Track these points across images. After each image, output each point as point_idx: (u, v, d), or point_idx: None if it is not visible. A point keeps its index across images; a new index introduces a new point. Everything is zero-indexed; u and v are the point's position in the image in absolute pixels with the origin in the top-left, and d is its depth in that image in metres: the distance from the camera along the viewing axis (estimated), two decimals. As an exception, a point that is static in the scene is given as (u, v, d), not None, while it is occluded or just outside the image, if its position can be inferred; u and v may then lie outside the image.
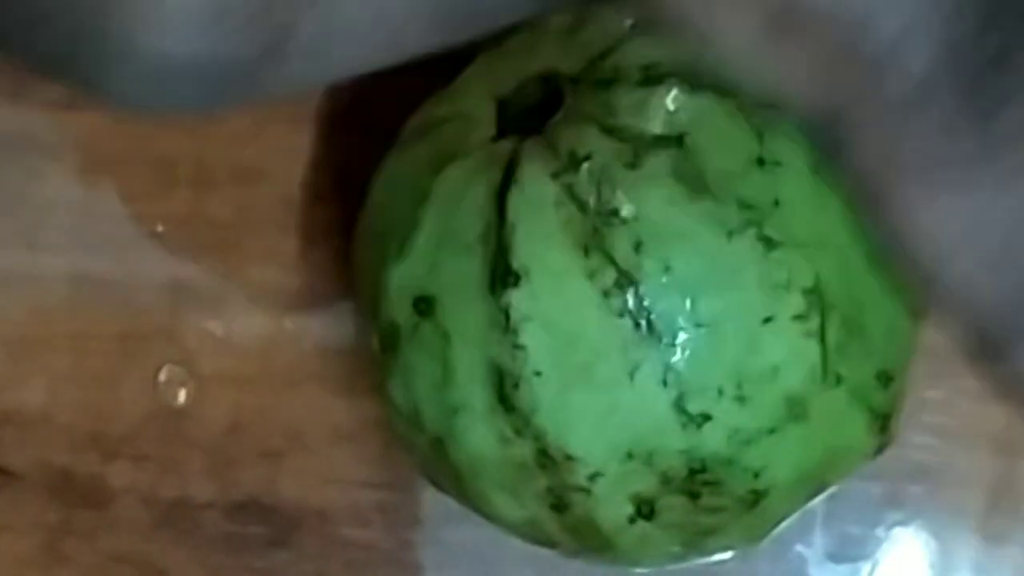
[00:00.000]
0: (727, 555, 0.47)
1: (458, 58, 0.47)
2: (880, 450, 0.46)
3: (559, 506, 0.43)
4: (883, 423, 0.45)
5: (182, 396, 0.53)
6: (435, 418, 0.44)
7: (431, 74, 0.49)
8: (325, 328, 0.53)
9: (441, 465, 0.45)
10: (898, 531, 0.52)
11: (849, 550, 0.52)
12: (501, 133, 0.43)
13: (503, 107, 0.44)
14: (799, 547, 0.52)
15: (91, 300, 0.53)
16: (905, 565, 0.52)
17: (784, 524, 0.46)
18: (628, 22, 0.44)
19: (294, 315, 0.53)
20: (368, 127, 0.53)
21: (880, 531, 0.52)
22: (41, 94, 0.53)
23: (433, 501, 0.52)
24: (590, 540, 0.44)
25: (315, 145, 0.53)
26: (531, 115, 0.44)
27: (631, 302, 0.41)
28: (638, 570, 0.49)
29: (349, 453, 0.52)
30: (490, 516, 0.45)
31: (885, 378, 0.44)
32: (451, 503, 0.48)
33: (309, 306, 0.53)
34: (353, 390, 0.52)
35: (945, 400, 0.52)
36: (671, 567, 0.47)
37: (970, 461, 0.52)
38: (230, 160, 0.53)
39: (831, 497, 0.48)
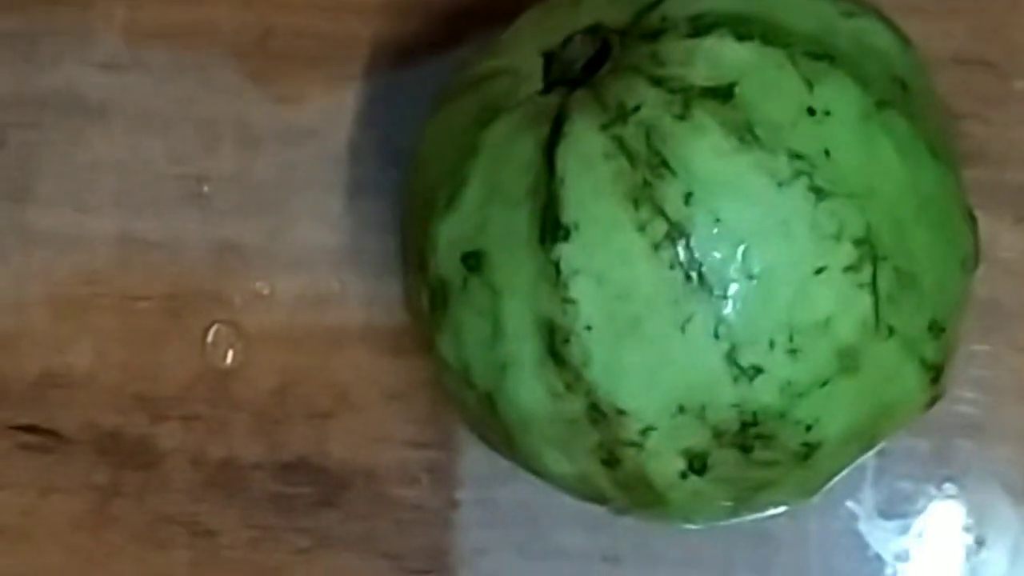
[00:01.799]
0: (777, 511, 0.47)
1: (503, 13, 0.47)
2: (932, 403, 0.45)
3: (610, 461, 0.43)
4: (935, 375, 0.44)
5: (230, 357, 0.53)
6: (485, 374, 0.43)
7: (476, 31, 0.49)
8: (372, 287, 0.53)
9: (491, 421, 0.45)
10: (948, 487, 0.52)
11: (899, 506, 0.52)
12: (548, 87, 0.43)
13: (550, 61, 0.44)
14: (849, 503, 0.52)
15: (138, 261, 0.53)
16: (955, 521, 0.51)
17: (835, 480, 0.46)
18: (676, -27, 0.44)
19: (341, 274, 0.53)
20: (412, 84, 0.53)
21: (930, 487, 0.52)
22: (86, 56, 0.53)
23: (481, 460, 0.52)
24: (641, 495, 0.44)
25: (360, 103, 0.53)
26: (578, 68, 0.43)
27: (682, 254, 0.40)
28: (688, 526, 0.48)
29: (397, 412, 0.52)
30: (540, 472, 0.45)
31: (937, 329, 0.44)
32: (499, 461, 0.48)
33: (356, 265, 0.53)
34: (400, 349, 0.52)
35: (993, 354, 0.52)
36: (721, 523, 0.47)
37: (1019, 416, 0.52)
38: (275, 120, 0.53)
39: (880, 453, 0.47)
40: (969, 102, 0.52)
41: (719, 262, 0.41)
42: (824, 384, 0.42)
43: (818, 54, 0.42)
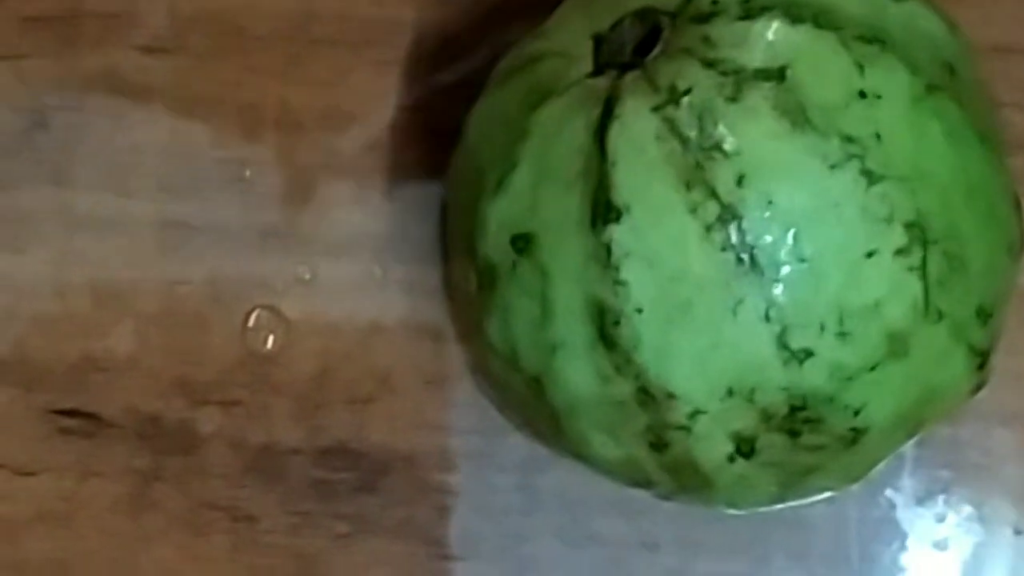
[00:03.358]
0: (817, 498, 0.47)
1: (550, -2, 0.47)
2: (976, 390, 0.45)
3: (658, 445, 0.43)
4: (981, 361, 0.44)
5: (270, 341, 0.53)
6: (533, 357, 0.43)
7: (520, 14, 0.48)
8: (412, 273, 0.53)
9: (537, 405, 0.45)
10: (986, 475, 0.52)
11: (938, 494, 0.52)
12: (598, 69, 0.43)
13: (600, 43, 0.44)
14: (888, 491, 0.52)
15: (179, 245, 0.53)
16: (994, 510, 0.51)
17: (878, 467, 0.46)
18: (726, -44, 0.44)
19: (382, 259, 0.53)
20: (455, 69, 0.53)
21: (969, 475, 0.52)
22: (129, 39, 0.53)
23: (520, 446, 0.52)
24: (688, 479, 0.44)
25: (401, 88, 0.53)
26: (628, 51, 0.43)
27: (734, 236, 0.40)
28: (731, 511, 0.48)
29: (436, 398, 0.52)
30: (586, 457, 0.45)
31: (984, 315, 0.44)
32: (538, 448, 0.48)
33: (397, 250, 0.53)
34: (440, 335, 0.52)
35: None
36: (762, 509, 0.47)
37: (1059, 405, 0.52)
38: (317, 104, 0.53)
39: (920, 441, 0.47)
40: (1009, 90, 0.52)
41: (771, 245, 0.41)
42: (873, 368, 0.42)
43: (869, 38, 0.42)
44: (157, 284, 0.53)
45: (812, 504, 0.48)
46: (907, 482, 0.52)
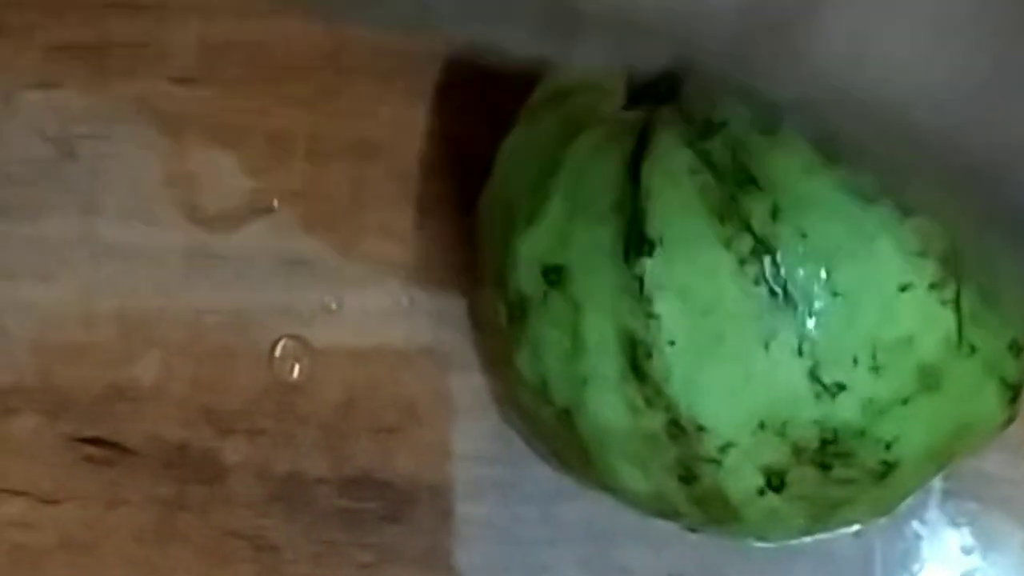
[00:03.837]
0: (844, 530, 0.47)
1: (580, 30, 0.47)
2: (1008, 423, 0.45)
3: (687, 478, 0.43)
4: (1013, 395, 0.44)
5: (296, 371, 0.53)
6: (564, 389, 0.43)
7: (551, 46, 0.48)
8: (440, 303, 0.52)
9: (567, 438, 0.45)
10: (1013, 508, 0.51)
11: (964, 527, 0.51)
12: (632, 102, 0.43)
13: (632, 76, 0.44)
14: (914, 523, 0.52)
15: (207, 275, 0.53)
16: (1021, 543, 0.51)
17: (907, 500, 0.46)
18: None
19: (409, 289, 0.53)
20: (484, 101, 0.53)
21: (996, 508, 0.51)
22: (159, 69, 0.53)
23: (547, 476, 0.51)
24: (717, 512, 0.44)
25: (431, 119, 0.53)
26: (662, 83, 0.43)
27: (768, 270, 0.40)
28: (758, 544, 0.48)
29: (463, 428, 0.52)
30: (615, 489, 0.45)
31: (1017, 348, 0.44)
32: (564, 478, 0.47)
33: (424, 280, 0.53)
34: (467, 365, 0.52)
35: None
36: (790, 542, 0.47)
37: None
38: (346, 134, 0.53)
39: (947, 473, 0.47)
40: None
41: (804, 278, 0.41)
42: (905, 402, 0.42)
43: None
44: (184, 313, 0.53)
45: (838, 536, 0.48)
46: (933, 514, 0.52)
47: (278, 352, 0.53)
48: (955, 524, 0.52)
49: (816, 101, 0.27)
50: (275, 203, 0.53)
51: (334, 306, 0.53)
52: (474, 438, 0.52)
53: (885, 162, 0.28)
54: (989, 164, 0.27)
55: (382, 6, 0.28)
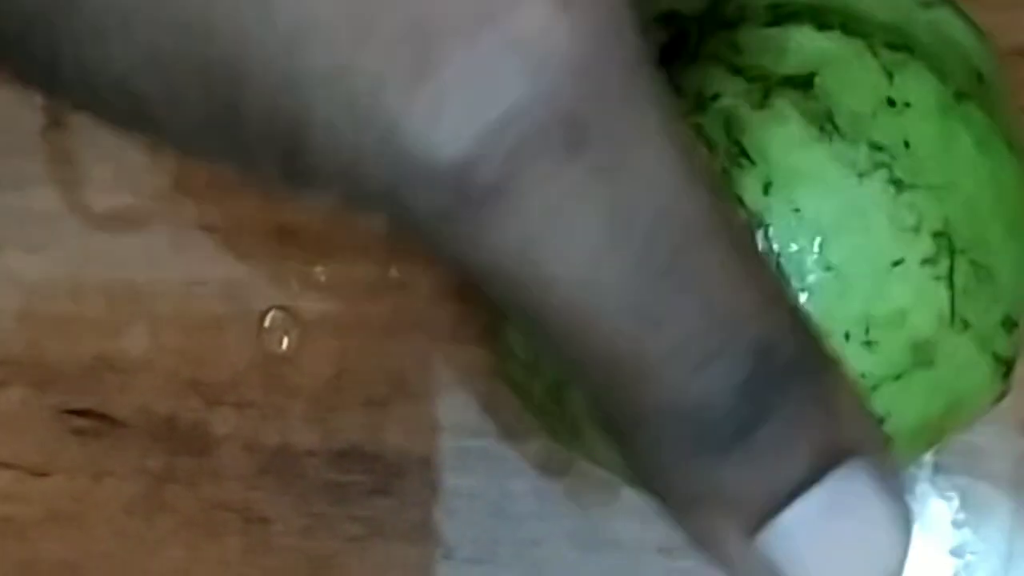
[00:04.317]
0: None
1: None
2: (1000, 398, 0.45)
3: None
4: (1006, 370, 0.44)
5: (285, 343, 0.52)
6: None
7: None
8: (429, 275, 0.52)
9: (557, 412, 0.44)
10: (1004, 482, 0.51)
11: (955, 500, 0.51)
12: (623, 74, 0.43)
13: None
14: (905, 497, 0.51)
15: (196, 246, 0.53)
16: (1012, 517, 0.51)
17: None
18: (753, -39, 0.43)
19: (399, 261, 0.52)
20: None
21: (987, 481, 0.51)
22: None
23: (537, 450, 0.51)
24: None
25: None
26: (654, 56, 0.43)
27: (760, 244, 0.40)
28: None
29: (453, 401, 0.52)
30: (604, 462, 0.45)
31: (1010, 324, 0.43)
32: (555, 452, 0.47)
33: (414, 252, 0.52)
34: (458, 337, 0.52)
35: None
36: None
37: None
38: (335, 104, 0.53)
39: (937, 447, 0.47)
40: (1033, 96, 0.52)
41: (797, 253, 0.40)
42: (898, 377, 0.42)
43: (897, 44, 0.42)
44: (172, 284, 0.53)
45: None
46: (924, 488, 0.51)
47: (267, 323, 0.52)
48: (945, 498, 0.51)
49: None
50: (264, 174, 0.53)
51: (323, 278, 0.52)
52: (464, 411, 0.52)
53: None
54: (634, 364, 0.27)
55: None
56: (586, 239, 0.26)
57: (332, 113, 0.25)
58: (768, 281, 0.28)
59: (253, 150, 0.26)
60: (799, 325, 0.29)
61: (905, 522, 0.29)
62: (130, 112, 0.27)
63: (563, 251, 0.26)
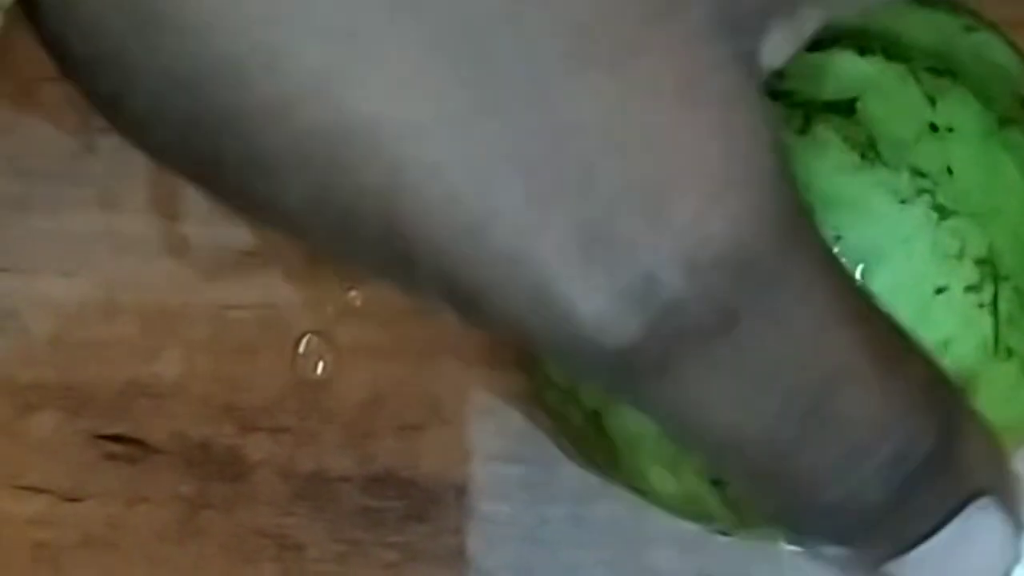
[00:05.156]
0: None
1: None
2: (1040, 427, 0.45)
3: (720, 481, 0.42)
4: (1050, 398, 0.44)
5: (320, 368, 0.52)
6: (593, 391, 0.43)
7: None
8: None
9: (596, 440, 0.44)
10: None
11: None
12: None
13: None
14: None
15: (230, 270, 0.52)
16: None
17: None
18: (794, -15, 0.43)
19: (434, 286, 0.52)
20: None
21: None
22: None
23: (573, 476, 0.51)
24: (751, 516, 0.43)
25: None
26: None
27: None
28: (791, 547, 0.48)
29: (488, 427, 0.52)
30: (644, 492, 0.45)
31: (1054, 352, 0.43)
32: (591, 479, 0.47)
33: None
34: (493, 363, 0.52)
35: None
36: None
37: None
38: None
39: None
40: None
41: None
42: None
43: (940, 69, 0.41)
44: (206, 309, 0.52)
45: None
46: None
47: (302, 349, 0.52)
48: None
49: None
50: (299, 198, 0.52)
51: (359, 303, 0.52)
52: (500, 437, 0.52)
53: None
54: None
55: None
56: (734, 396, 0.29)
57: (506, 289, 0.28)
58: (910, 383, 0.32)
59: (424, 291, 0.30)
60: (941, 416, 0.32)
61: (1019, 544, 0.32)
62: (293, 235, 0.30)
63: (713, 407, 0.29)
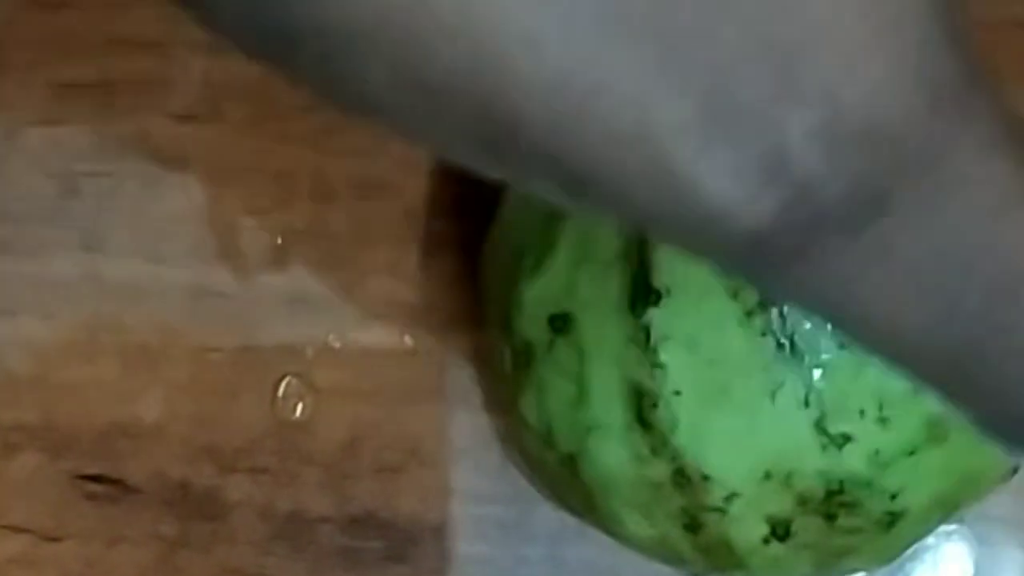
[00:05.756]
0: None
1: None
2: (1014, 472, 0.45)
3: (692, 526, 0.43)
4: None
5: (299, 410, 0.52)
6: (568, 436, 0.43)
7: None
8: (443, 342, 0.52)
9: (571, 483, 0.44)
10: (1016, 550, 0.51)
11: (967, 569, 0.51)
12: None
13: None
14: (918, 565, 0.51)
15: (211, 313, 0.53)
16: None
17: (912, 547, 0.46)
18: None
19: (413, 329, 0.52)
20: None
21: (997, 550, 0.51)
22: (162, 106, 0.53)
23: (550, 517, 0.51)
24: (722, 560, 0.44)
25: (437, 158, 0.53)
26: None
27: (774, 321, 0.40)
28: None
29: (466, 468, 0.52)
30: (619, 535, 0.45)
31: (1024, 399, 0.43)
32: (569, 519, 0.47)
33: (428, 320, 0.52)
34: (471, 404, 0.52)
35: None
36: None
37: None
38: (351, 172, 0.53)
39: (953, 518, 0.47)
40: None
41: (811, 330, 0.40)
42: (912, 453, 0.42)
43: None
44: (186, 351, 0.53)
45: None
46: (937, 555, 0.51)
47: (281, 391, 0.52)
48: (959, 565, 0.51)
49: None
50: (279, 241, 0.53)
51: (338, 345, 0.53)
52: (478, 478, 0.52)
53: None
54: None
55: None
56: (889, 294, 0.25)
57: (622, 167, 0.25)
58: None
59: (525, 175, 0.26)
60: None
61: None
62: (388, 122, 0.27)
63: (866, 305, 0.25)
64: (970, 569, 0.51)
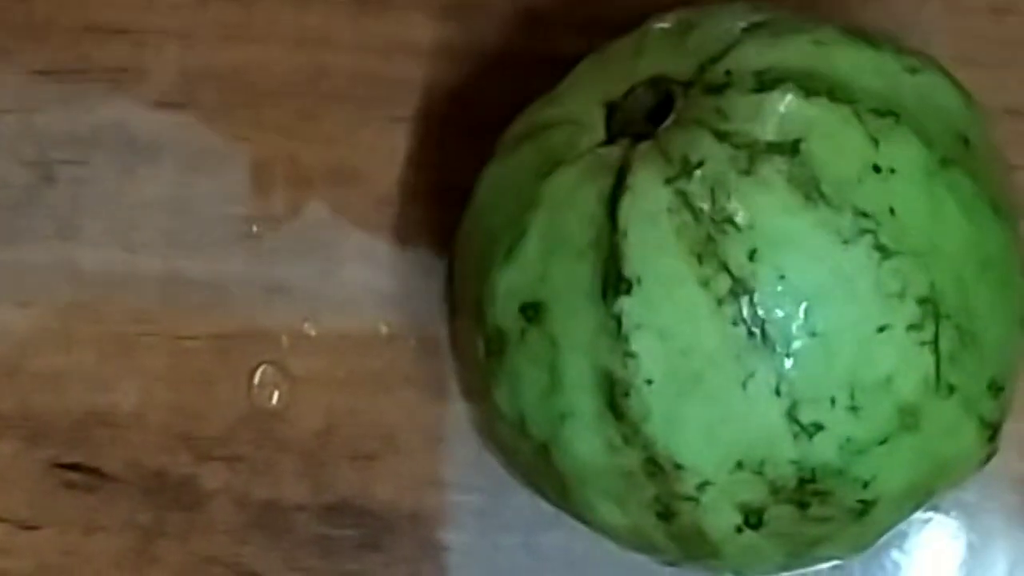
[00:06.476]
0: (825, 565, 0.47)
1: (560, 60, 0.47)
2: (987, 460, 0.45)
3: (665, 514, 0.43)
4: (992, 433, 0.44)
5: (275, 398, 0.52)
6: (541, 425, 0.43)
7: (531, 76, 0.48)
8: (418, 330, 0.52)
9: (545, 472, 0.44)
10: (993, 539, 0.51)
11: (944, 557, 0.51)
12: (611, 138, 0.43)
13: (612, 111, 0.43)
14: (894, 553, 0.51)
15: (186, 301, 0.53)
16: (1001, 573, 0.51)
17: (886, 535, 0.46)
18: (740, 25, 0.43)
19: (388, 317, 0.52)
20: (465, 128, 0.52)
21: (975, 539, 0.51)
22: (138, 93, 0.53)
23: (526, 505, 0.51)
24: (695, 548, 0.44)
25: (411, 145, 0.53)
26: (641, 120, 0.43)
27: (745, 310, 0.40)
28: (738, 578, 0.48)
29: (442, 456, 0.52)
30: (593, 523, 0.45)
31: (995, 388, 0.43)
32: (545, 507, 0.47)
33: (403, 308, 0.52)
34: (446, 393, 0.52)
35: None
36: None
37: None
38: (326, 160, 0.53)
39: (930, 505, 0.47)
40: (1022, 153, 0.52)
41: (782, 319, 0.40)
42: (884, 442, 0.42)
43: (883, 111, 0.42)
44: (163, 339, 0.53)
45: (817, 570, 0.48)
46: (913, 543, 0.51)
47: (257, 379, 0.52)
48: (934, 555, 0.51)
49: None
50: (254, 229, 0.53)
51: (313, 333, 0.53)
52: (454, 466, 0.52)
53: None
54: None
55: None
56: None
57: None
58: None
59: None
60: None
61: None
62: None
63: None
64: (944, 555, 0.51)
